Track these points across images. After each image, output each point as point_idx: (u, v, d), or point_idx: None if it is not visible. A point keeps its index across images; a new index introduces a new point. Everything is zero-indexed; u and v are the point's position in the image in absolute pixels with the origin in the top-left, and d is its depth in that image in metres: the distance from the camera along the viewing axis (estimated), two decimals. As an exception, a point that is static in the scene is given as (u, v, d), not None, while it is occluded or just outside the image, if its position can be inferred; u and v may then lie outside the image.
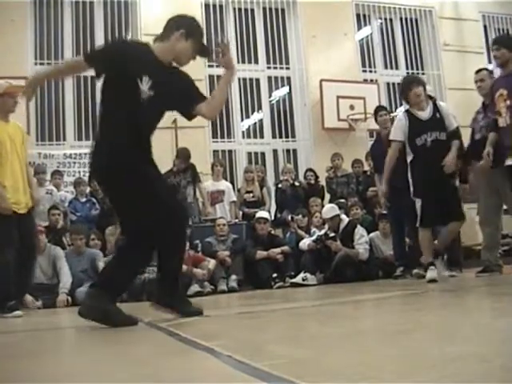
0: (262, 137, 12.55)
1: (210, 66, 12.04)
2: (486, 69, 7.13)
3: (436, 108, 6.28)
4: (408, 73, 13.47)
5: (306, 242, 8.17)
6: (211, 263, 7.72)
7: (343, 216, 8.26)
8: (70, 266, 7.36)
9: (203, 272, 7.55)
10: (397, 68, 13.54)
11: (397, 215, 7.47)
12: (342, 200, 9.23)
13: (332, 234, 7.97)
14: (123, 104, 3.75)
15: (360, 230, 8.05)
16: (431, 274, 6.00)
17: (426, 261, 6.21)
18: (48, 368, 2.33)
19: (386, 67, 13.45)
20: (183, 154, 9.18)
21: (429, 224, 6.28)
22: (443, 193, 6.11)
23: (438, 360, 1.76)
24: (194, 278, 7.43)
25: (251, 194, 9.57)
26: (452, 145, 6.18)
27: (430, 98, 6.45)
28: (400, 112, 6.93)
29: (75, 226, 8.34)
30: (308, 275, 7.71)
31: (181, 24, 4.00)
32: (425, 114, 6.27)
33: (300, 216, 8.90)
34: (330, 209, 8.35)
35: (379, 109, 8.15)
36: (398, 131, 6.37)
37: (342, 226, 8.10)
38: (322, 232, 8.12)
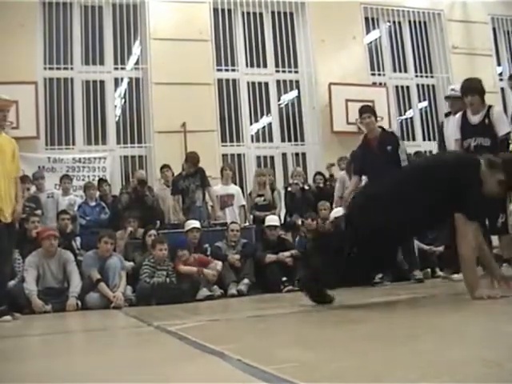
0: (271, 140, 12.55)
1: (218, 69, 12.08)
2: None
3: (488, 114, 6.20)
4: (417, 76, 13.45)
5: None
6: (219, 265, 7.70)
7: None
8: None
9: (213, 273, 7.51)
10: (405, 71, 13.50)
11: None
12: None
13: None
14: None
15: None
16: None
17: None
18: (58, 370, 2.34)
19: (394, 70, 13.41)
20: (192, 158, 9.17)
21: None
22: None
23: (448, 364, 1.75)
24: (203, 280, 7.42)
25: (262, 198, 9.55)
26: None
27: (483, 100, 6.32)
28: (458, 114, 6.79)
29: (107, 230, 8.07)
30: (317, 279, 7.67)
31: None
32: (475, 118, 6.24)
33: (309, 220, 8.87)
34: (335, 211, 8.28)
35: (361, 111, 7.58)
36: (457, 131, 6.36)
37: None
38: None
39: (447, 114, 7.37)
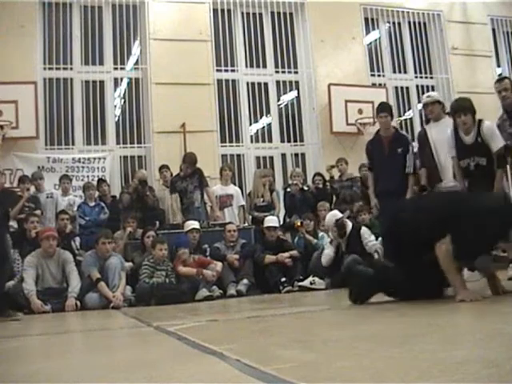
0: (270, 141, 12.54)
1: (218, 70, 12.07)
2: (507, 77, 7.00)
3: (479, 131, 6.15)
4: (416, 77, 13.44)
5: (328, 255, 8.06)
6: (218, 265, 7.71)
7: (347, 221, 8.18)
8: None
9: (213, 273, 7.51)
10: (405, 72, 13.49)
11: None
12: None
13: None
14: None
15: (366, 231, 8.02)
16: None
17: None
18: (58, 370, 2.34)
19: (394, 71, 13.40)
20: (190, 159, 9.16)
21: None
22: None
23: (447, 364, 1.75)
24: (202, 280, 7.42)
25: (261, 199, 9.55)
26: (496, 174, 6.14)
27: (474, 120, 6.30)
28: (449, 126, 6.72)
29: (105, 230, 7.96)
30: (316, 279, 7.68)
31: None
32: (469, 138, 6.21)
33: (307, 220, 8.88)
34: (330, 216, 8.23)
35: (380, 109, 7.50)
36: (453, 149, 6.34)
37: (348, 230, 8.03)
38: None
39: (427, 121, 7.34)
